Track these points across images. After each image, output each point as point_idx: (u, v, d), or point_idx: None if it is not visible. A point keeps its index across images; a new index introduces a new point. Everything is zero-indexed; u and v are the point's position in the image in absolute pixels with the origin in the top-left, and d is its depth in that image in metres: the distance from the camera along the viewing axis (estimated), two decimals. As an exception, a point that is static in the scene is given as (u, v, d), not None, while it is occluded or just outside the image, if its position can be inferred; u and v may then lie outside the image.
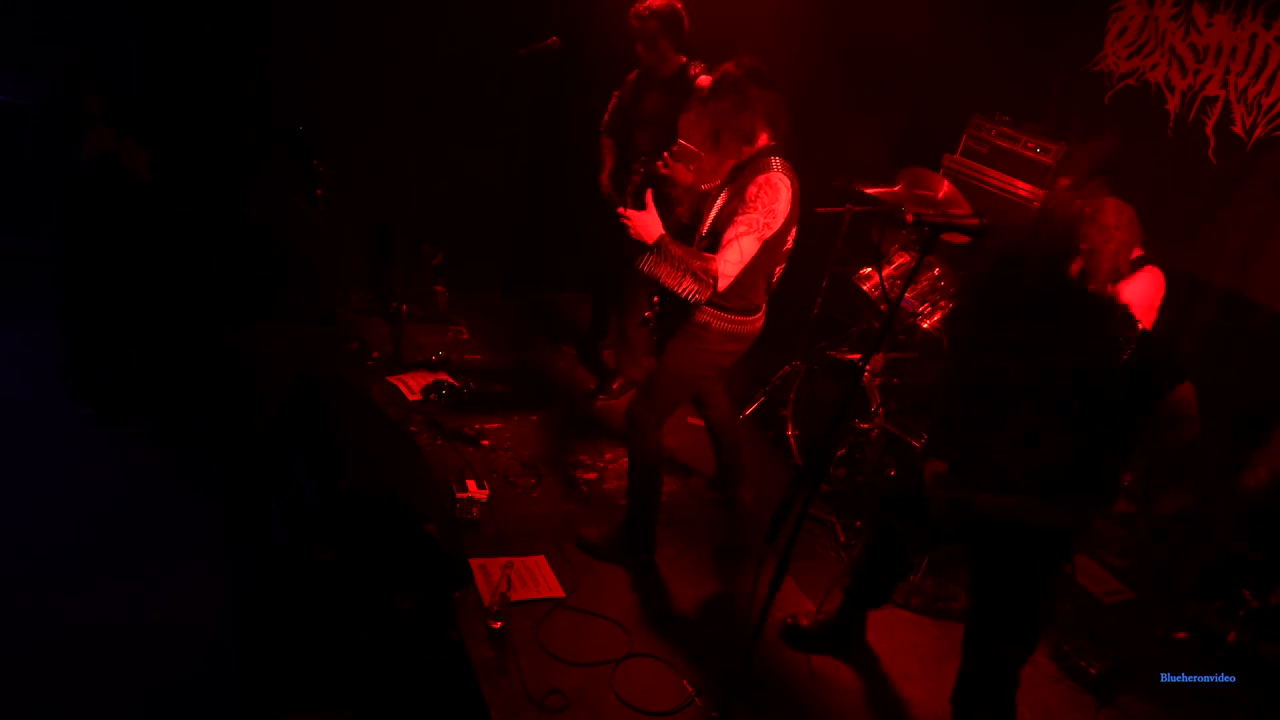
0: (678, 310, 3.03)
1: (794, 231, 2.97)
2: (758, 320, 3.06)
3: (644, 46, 3.87)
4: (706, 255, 2.82)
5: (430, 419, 4.07)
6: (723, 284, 2.82)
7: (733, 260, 2.79)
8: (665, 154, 3.74)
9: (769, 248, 2.86)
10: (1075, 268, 2.17)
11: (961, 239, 4.16)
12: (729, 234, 2.80)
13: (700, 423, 3.70)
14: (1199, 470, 3.88)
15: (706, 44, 5.19)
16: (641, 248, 2.89)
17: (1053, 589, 2.54)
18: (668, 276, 2.83)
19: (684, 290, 2.85)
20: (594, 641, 2.99)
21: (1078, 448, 2.17)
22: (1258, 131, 3.80)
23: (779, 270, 3.06)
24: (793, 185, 2.86)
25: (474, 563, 3.14)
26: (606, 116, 4.27)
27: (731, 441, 3.65)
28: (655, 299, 3.17)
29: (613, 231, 4.16)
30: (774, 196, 2.79)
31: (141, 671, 2.60)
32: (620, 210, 2.81)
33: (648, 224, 2.77)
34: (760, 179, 2.80)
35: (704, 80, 3.82)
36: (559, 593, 3.15)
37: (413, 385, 4.31)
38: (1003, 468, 2.29)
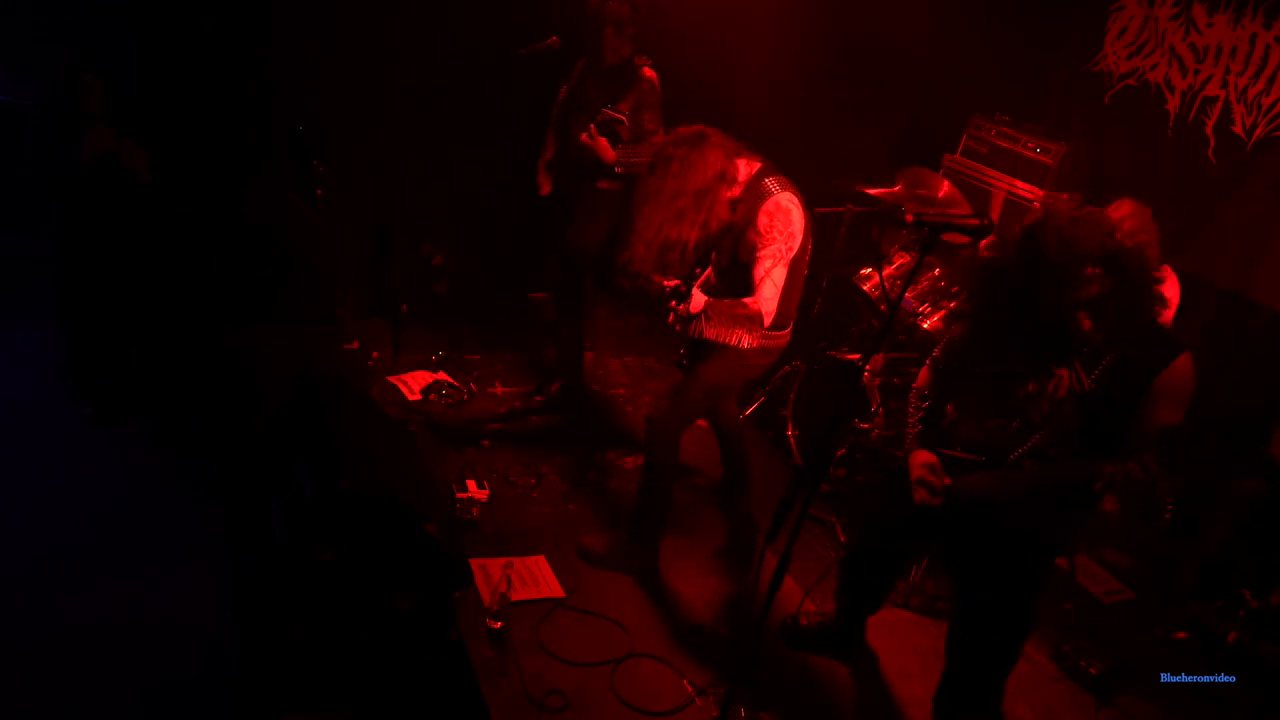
0: (703, 344, 3.06)
1: (811, 240, 2.99)
2: (788, 334, 3.12)
3: (614, 30, 3.84)
4: (744, 301, 2.85)
5: (430, 419, 4.07)
6: (768, 320, 2.87)
7: (769, 295, 2.84)
8: (592, 125, 3.79)
9: (795, 267, 2.91)
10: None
11: (961, 239, 4.18)
12: (758, 271, 2.84)
13: (704, 423, 3.70)
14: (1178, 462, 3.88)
15: (708, 43, 5.20)
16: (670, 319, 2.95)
17: (1042, 585, 2.51)
18: (719, 334, 2.87)
19: (736, 340, 2.88)
20: (594, 641, 2.99)
21: (1082, 420, 2.17)
22: (1258, 131, 3.80)
23: (803, 276, 3.09)
24: (799, 199, 2.88)
25: (474, 563, 3.14)
26: (555, 108, 4.25)
27: (737, 447, 3.66)
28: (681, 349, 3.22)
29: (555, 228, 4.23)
30: (786, 220, 2.82)
31: (141, 671, 2.60)
32: (671, 304, 2.85)
33: (693, 301, 2.81)
34: (767, 207, 2.82)
35: (649, 72, 3.89)
36: (559, 593, 3.15)
37: (413, 385, 4.31)
38: (1002, 447, 2.29)
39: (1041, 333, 2.18)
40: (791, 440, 4.23)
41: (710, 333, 2.87)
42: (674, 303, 2.82)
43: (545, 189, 4.29)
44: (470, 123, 4.80)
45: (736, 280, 2.94)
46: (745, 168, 2.89)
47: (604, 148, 3.81)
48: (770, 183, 2.86)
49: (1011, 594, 2.43)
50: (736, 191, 2.87)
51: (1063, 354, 2.19)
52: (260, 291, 3.87)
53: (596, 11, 3.82)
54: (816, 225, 3.07)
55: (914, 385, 2.61)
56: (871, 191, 4.17)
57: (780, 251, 2.82)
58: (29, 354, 3.90)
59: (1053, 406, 2.21)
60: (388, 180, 4.70)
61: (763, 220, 2.81)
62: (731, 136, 2.90)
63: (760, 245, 2.82)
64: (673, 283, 2.87)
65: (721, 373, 3.13)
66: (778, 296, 2.85)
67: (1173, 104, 4.10)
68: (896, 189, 4.24)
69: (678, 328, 2.97)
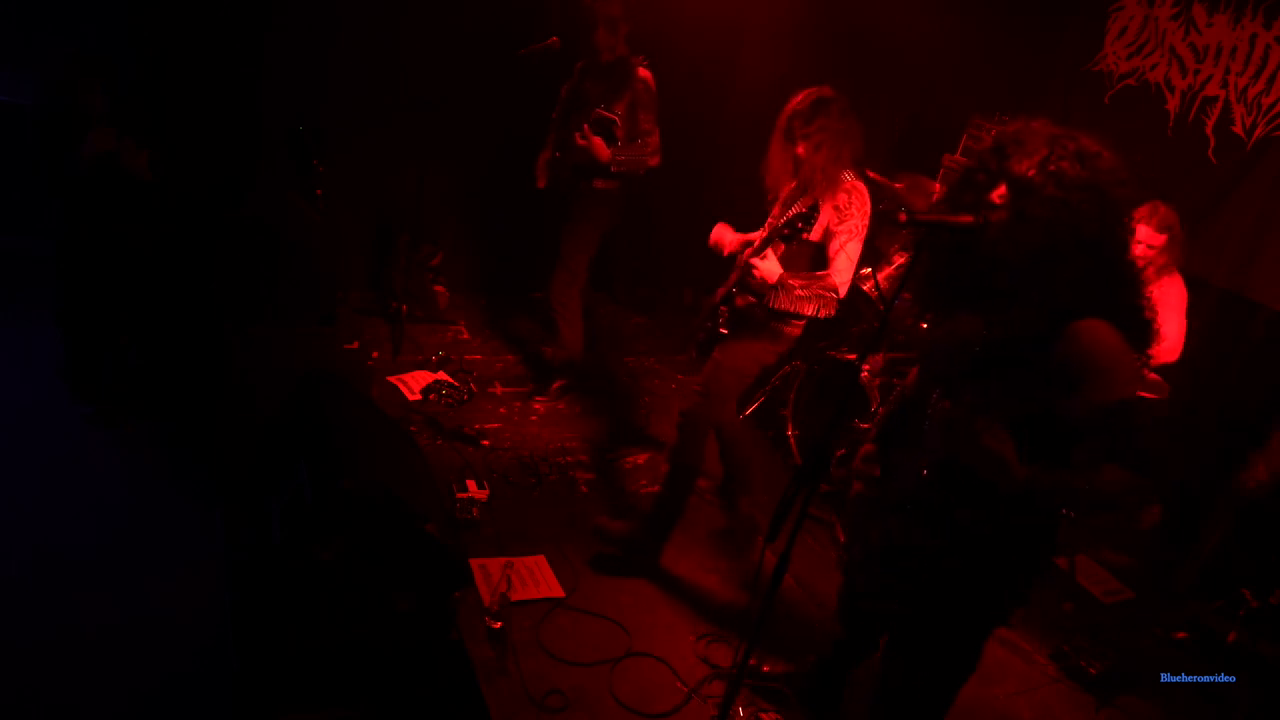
0: (746, 316, 3.15)
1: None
2: (802, 325, 3.17)
3: (606, 29, 3.87)
4: (819, 274, 2.96)
5: (430, 419, 4.07)
6: (842, 292, 2.97)
7: (844, 269, 2.96)
8: (585, 125, 3.85)
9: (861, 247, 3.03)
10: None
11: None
12: (834, 246, 2.96)
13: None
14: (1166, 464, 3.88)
15: (707, 43, 5.19)
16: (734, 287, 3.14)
17: (984, 620, 2.16)
18: (797, 305, 2.97)
19: (810, 312, 2.99)
20: (594, 641, 2.99)
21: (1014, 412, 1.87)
22: (1258, 131, 3.80)
23: None
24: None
25: (474, 563, 3.14)
26: (557, 108, 4.29)
27: (738, 447, 3.66)
28: (724, 309, 3.24)
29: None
30: (863, 200, 2.98)
31: (141, 671, 2.60)
32: (749, 258, 2.95)
33: (768, 268, 2.91)
34: (845, 187, 2.96)
35: (644, 72, 3.92)
36: (559, 593, 3.15)
37: (413, 385, 4.31)
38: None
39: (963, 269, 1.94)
40: (791, 440, 4.23)
41: (782, 304, 2.96)
42: (750, 259, 2.94)
43: (541, 183, 4.33)
44: (471, 122, 4.80)
45: (811, 258, 3.03)
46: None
47: (599, 147, 3.84)
48: (846, 173, 3.02)
49: (951, 620, 2.13)
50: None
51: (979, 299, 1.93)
52: (260, 291, 3.87)
53: (588, 11, 3.84)
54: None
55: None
56: (874, 175, 4.19)
57: (857, 228, 2.96)
58: (29, 354, 3.90)
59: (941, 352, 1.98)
60: (388, 180, 4.71)
61: (842, 198, 2.95)
62: None
63: (839, 220, 2.94)
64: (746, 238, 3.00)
65: (747, 358, 3.20)
66: (850, 270, 2.97)
67: (1173, 104, 4.10)
68: (898, 185, 4.25)
69: (717, 298, 3.17)
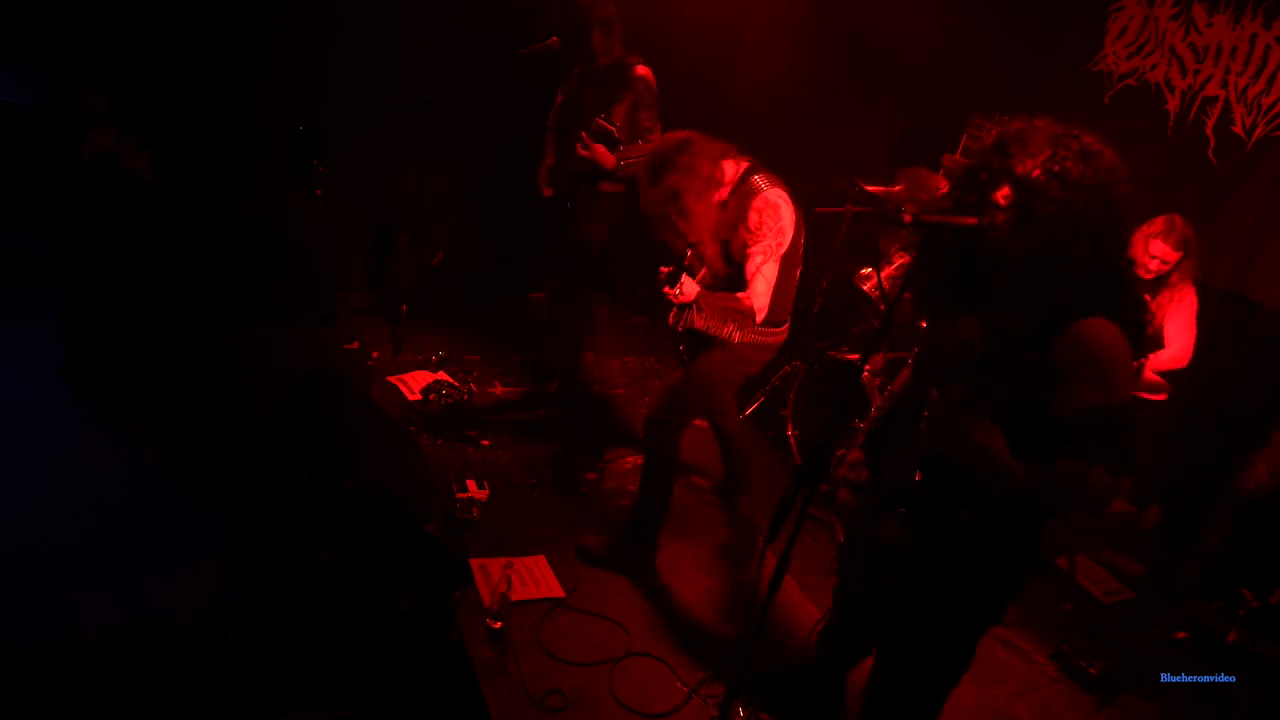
0: (700, 334, 3.12)
1: (803, 236, 3.01)
2: (785, 331, 3.14)
3: (601, 31, 3.84)
4: (738, 296, 2.90)
5: (430, 419, 4.07)
6: (760, 316, 2.92)
7: (762, 291, 2.88)
8: (584, 134, 3.80)
9: (787, 263, 2.94)
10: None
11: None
12: (749, 268, 2.88)
13: (704, 423, 3.71)
14: (1181, 467, 3.89)
15: (708, 44, 5.19)
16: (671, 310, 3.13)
17: (981, 611, 2.13)
18: (710, 326, 2.96)
19: (727, 334, 2.97)
20: (594, 641, 2.99)
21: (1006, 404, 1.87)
22: (1258, 131, 3.80)
23: (798, 273, 3.10)
24: (787, 195, 2.90)
25: (474, 563, 3.14)
26: (553, 112, 4.27)
27: (738, 446, 3.66)
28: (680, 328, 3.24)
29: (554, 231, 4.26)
30: (776, 215, 2.85)
31: (141, 671, 2.60)
32: (666, 290, 2.90)
33: (688, 288, 2.86)
34: (756, 204, 2.84)
35: (642, 70, 3.87)
36: (559, 593, 3.15)
37: (413, 385, 4.31)
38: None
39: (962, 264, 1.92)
40: (791, 440, 4.23)
41: (701, 323, 2.94)
42: (666, 287, 2.87)
43: (547, 191, 4.30)
44: (471, 122, 4.80)
45: (731, 278, 2.97)
46: (732, 168, 2.91)
47: (602, 154, 3.81)
48: (758, 180, 2.89)
49: (952, 619, 2.12)
50: (724, 193, 2.89)
51: (976, 298, 1.91)
52: (260, 291, 3.87)
53: (583, 14, 3.83)
54: (817, 225, 3.08)
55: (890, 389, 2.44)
56: (871, 189, 4.18)
57: (771, 247, 2.86)
58: (29, 354, 3.90)
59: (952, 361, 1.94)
60: (388, 180, 4.71)
61: (753, 217, 2.85)
62: (718, 137, 2.91)
63: (751, 242, 2.86)
64: (665, 269, 2.91)
65: (718, 369, 3.16)
66: (769, 292, 2.90)
67: (1173, 104, 4.10)
68: (897, 189, 4.24)
69: (670, 319, 3.09)
